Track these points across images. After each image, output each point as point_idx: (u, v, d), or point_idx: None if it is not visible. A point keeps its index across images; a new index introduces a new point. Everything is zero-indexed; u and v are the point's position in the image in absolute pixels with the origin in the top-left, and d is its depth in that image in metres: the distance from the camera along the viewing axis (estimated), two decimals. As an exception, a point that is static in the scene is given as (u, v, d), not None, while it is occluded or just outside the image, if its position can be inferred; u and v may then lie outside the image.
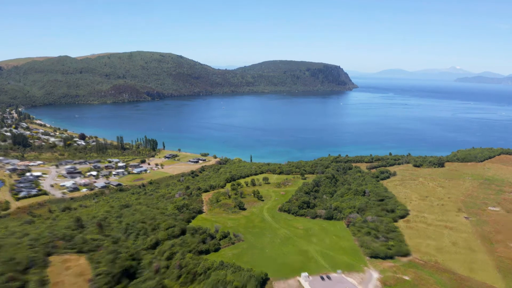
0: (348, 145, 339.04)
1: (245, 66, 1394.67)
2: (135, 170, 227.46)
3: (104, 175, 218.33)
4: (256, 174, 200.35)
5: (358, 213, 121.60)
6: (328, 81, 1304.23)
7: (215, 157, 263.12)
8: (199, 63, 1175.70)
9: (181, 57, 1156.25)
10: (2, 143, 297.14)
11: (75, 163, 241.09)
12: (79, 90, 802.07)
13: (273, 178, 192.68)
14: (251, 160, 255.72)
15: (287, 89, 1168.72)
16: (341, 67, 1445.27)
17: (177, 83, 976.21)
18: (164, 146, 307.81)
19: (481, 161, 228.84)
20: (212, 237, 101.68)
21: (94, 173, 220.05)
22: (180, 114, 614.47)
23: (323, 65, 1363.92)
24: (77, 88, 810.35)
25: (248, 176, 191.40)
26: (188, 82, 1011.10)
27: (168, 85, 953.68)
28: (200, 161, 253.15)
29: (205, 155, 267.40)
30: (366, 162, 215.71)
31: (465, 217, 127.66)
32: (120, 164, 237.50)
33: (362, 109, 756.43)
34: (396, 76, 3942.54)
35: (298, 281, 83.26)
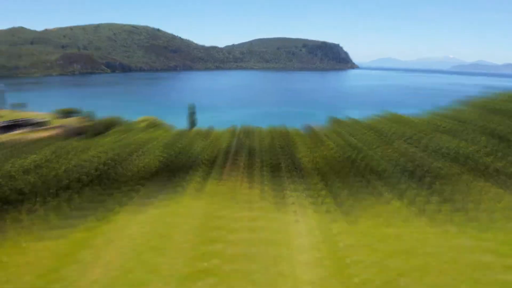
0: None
1: (233, 45, 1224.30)
2: None
3: None
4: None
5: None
6: (328, 58, 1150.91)
7: (89, 119, 75.86)
8: (180, 37, 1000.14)
9: (158, 30, 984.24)
10: None
11: None
12: (20, 61, 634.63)
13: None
14: (191, 125, 66.43)
15: (281, 66, 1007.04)
16: (340, 45, 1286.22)
17: (149, 56, 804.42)
18: None
19: None
20: None
21: None
22: (127, 82, 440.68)
23: (321, 42, 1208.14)
24: (19, 59, 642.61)
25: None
26: (163, 55, 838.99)
27: (138, 57, 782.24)
28: (25, 128, 77.94)
29: (68, 112, 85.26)
30: None
31: None
32: None
33: (385, 77, 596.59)
34: (391, 65, 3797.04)
35: None
